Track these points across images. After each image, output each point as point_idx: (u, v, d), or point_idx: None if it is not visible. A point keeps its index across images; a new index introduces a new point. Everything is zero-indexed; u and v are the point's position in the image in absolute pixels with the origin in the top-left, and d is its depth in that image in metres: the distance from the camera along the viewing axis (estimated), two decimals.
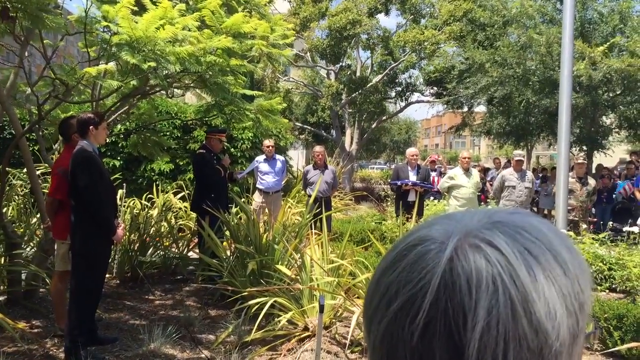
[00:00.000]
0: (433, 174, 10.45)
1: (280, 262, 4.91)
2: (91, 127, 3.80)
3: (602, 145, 12.41)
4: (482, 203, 10.66)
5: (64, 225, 3.98)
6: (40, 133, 5.43)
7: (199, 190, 5.94)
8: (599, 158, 13.76)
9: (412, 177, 7.66)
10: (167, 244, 6.53)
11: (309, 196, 7.18)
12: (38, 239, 5.39)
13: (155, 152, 6.17)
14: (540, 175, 13.25)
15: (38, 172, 5.71)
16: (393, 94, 18.35)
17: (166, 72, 4.21)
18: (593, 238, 6.30)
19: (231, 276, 4.91)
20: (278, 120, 5.67)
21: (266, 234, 5.35)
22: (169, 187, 8.65)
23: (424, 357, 0.42)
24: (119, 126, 7.95)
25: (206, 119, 6.54)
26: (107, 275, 4.85)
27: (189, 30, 4.17)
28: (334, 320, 4.43)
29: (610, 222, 8.19)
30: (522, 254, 0.43)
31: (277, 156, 7.89)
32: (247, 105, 5.25)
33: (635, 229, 8.32)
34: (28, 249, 5.41)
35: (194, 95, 12.57)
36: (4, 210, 5.61)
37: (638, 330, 3.93)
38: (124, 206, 6.50)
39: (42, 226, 5.10)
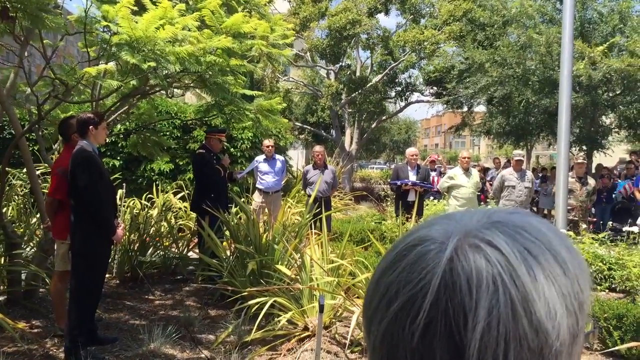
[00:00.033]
0: (433, 173, 10.46)
1: (280, 262, 4.92)
2: (91, 127, 3.80)
3: (601, 145, 12.41)
4: (482, 203, 10.66)
5: (64, 225, 3.98)
6: (40, 133, 5.43)
7: (199, 190, 5.94)
8: (598, 158, 13.76)
9: (412, 177, 7.66)
10: (167, 244, 6.53)
11: (309, 196, 7.18)
12: (38, 239, 5.39)
13: (155, 152, 6.17)
14: (540, 175, 13.25)
15: (38, 172, 5.71)
16: (393, 93, 18.35)
17: (166, 72, 4.21)
18: (593, 238, 6.30)
19: (231, 276, 4.91)
20: (278, 120, 5.67)
21: (266, 234, 5.35)
22: (168, 187, 8.65)
23: (425, 358, 0.42)
24: (118, 126, 7.95)
25: (206, 118, 6.54)
26: (107, 275, 4.86)
27: (189, 30, 4.17)
28: (333, 320, 4.43)
29: (610, 222, 8.19)
30: (522, 254, 0.43)
31: (277, 156, 7.89)
32: (246, 105, 5.25)
33: (635, 228, 8.32)
34: (28, 249, 5.41)
35: (193, 95, 12.57)
36: (4, 210, 5.61)
37: (638, 330, 3.93)
38: (124, 206, 6.50)
39: (42, 226, 5.10)
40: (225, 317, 4.77)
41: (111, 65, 4.34)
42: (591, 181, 7.78)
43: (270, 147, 7.65)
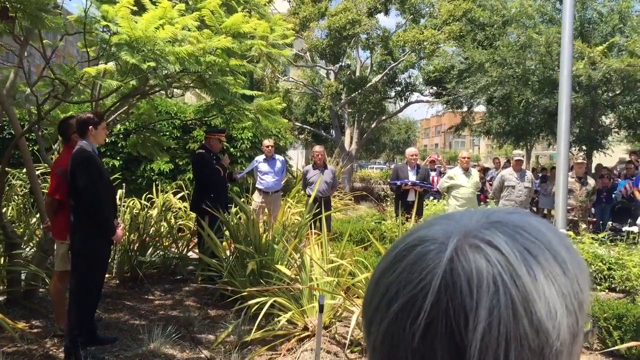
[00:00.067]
0: (432, 173, 10.46)
1: (279, 262, 4.92)
2: (90, 127, 3.80)
3: (601, 145, 12.41)
4: (482, 203, 10.66)
5: (64, 225, 3.98)
6: (40, 133, 5.43)
7: (199, 190, 5.94)
8: (598, 158, 13.76)
9: (412, 177, 7.66)
10: (167, 244, 6.52)
11: (309, 196, 7.18)
12: (38, 239, 5.39)
13: (155, 152, 6.17)
14: (540, 175, 13.25)
15: (37, 172, 5.71)
16: (392, 93, 18.35)
17: (166, 72, 4.21)
18: (592, 238, 6.30)
19: (231, 276, 4.91)
20: (277, 120, 5.67)
21: (266, 234, 5.35)
22: (168, 187, 8.65)
23: (426, 358, 0.42)
24: (118, 126, 7.95)
25: (206, 118, 6.54)
26: (106, 275, 4.85)
27: (189, 30, 4.17)
28: (333, 320, 4.43)
29: (610, 222, 8.19)
30: (522, 254, 0.43)
31: (277, 156, 7.88)
32: (246, 105, 5.25)
33: (634, 228, 8.33)
34: (28, 249, 5.41)
35: (193, 95, 12.57)
36: (4, 210, 5.60)
37: (637, 329, 3.93)
38: (124, 206, 6.50)
39: (41, 226, 5.10)
40: (225, 317, 4.77)
41: (111, 65, 4.34)
42: (591, 181, 7.78)
43: (270, 147, 7.65)
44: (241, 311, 4.34)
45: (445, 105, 18.05)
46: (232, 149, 9.32)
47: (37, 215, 5.70)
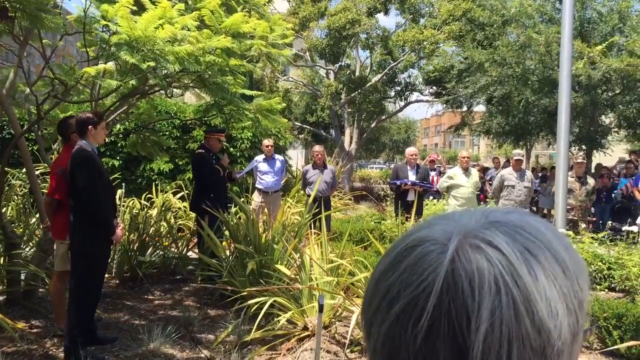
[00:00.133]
0: (432, 173, 10.45)
1: (279, 262, 4.91)
2: (90, 126, 3.80)
3: (601, 145, 12.41)
4: (482, 203, 10.66)
5: (63, 225, 3.98)
6: (40, 133, 5.43)
7: (198, 190, 5.94)
8: (598, 157, 13.77)
9: (412, 176, 7.66)
10: (167, 243, 6.52)
11: (308, 196, 7.18)
12: (37, 239, 5.39)
13: (155, 152, 6.17)
14: (540, 174, 13.26)
15: (37, 172, 5.71)
16: (392, 93, 18.35)
17: (165, 71, 4.21)
18: (592, 237, 6.30)
19: (230, 276, 4.91)
20: (277, 119, 5.66)
21: (265, 234, 5.35)
22: (168, 187, 8.65)
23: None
24: (118, 126, 7.95)
25: (205, 118, 6.54)
26: (106, 275, 4.85)
27: (188, 30, 4.17)
28: (333, 319, 4.43)
29: (610, 222, 8.20)
30: (523, 254, 0.43)
31: (277, 156, 7.88)
32: (246, 105, 5.25)
33: (634, 228, 8.33)
34: (27, 249, 5.40)
35: (193, 95, 12.56)
36: (3, 210, 5.60)
37: (637, 329, 3.93)
38: (123, 206, 6.50)
39: (41, 226, 5.10)
40: (225, 316, 4.77)
41: (110, 65, 4.34)
42: (590, 181, 7.78)
43: (269, 147, 7.65)
44: (241, 311, 4.34)
45: (445, 105, 18.06)
46: (231, 149, 9.32)
47: (37, 215, 5.70)
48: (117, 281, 5.86)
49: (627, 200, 10.04)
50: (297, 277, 4.68)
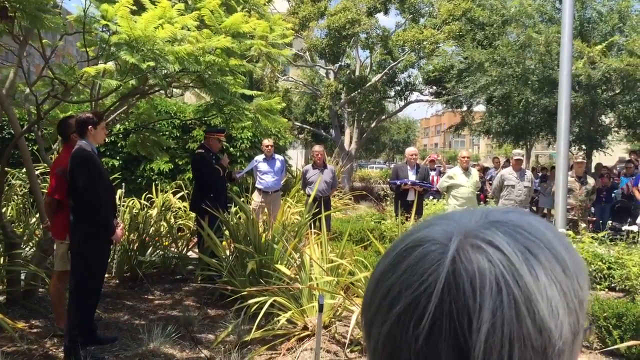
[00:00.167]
0: (432, 173, 10.45)
1: (279, 262, 4.91)
2: (90, 126, 3.80)
3: (601, 145, 12.41)
4: (482, 202, 10.66)
5: (63, 225, 3.98)
6: (39, 133, 5.43)
7: (198, 190, 5.94)
8: (598, 157, 13.77)
9: (412, 176, 7.66)
10: (167, 243, 6.52)
11: (308, 196, 7.18)
12: (37, 239, 5.39)
13: (155, 152, 6.17)
14: (540, 174, 13.26)
15: (37, 172, 5.70)
16: (392, 93, 18.35)
17: (165, 71, 4.20)
18: (592, 237, 6.30)
19: (230, 276, 4.91)
20: (277, 119, 5.66)
21: (265, 234, 5.35)
22: (168, 187, 8.65)
23: None
24: (118, 126, 7.95)
25: (205, 118, 6.54)
26: (106, 275, 4.85)
27: (188, 29, 4.17)
28: (333, 319, 4.43)
29: (610, 221, 8.19)
30: (523, 254, 0.43)
31: (277, 156, 7.88)
32: (246, 105, 5.25)
33: (634, 227, 8.33)
34: (27, 249, 5.40)
35: (193, 95, 12.55)
36: (3, 210, 5.60)
37: (637, 328, 3.93)
38: (123, 206, 6.50)
39: (41, 226, 5.10)
40: (225, 316, 4.77)
41: (110, 64, 4.34)
42: (590, 180, 7.78)
43: (269, 147, 7.65)
44: (241, 311, 4.34)
45: (444, 105, 18.06)
46: (231, 149, 9.32)
47: (37, 215, 5.70)
48: (117, 281, 5.86)
49: (627, 200, 10.05)
50: (297, 276, 4.68)
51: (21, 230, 5.72)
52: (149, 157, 6.86)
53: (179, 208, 7.88)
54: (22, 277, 5.03)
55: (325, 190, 7.47)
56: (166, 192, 8.23)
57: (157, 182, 8.61)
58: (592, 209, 9.35)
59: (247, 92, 5.33)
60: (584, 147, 12.51)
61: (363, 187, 17.12)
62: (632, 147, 16.98)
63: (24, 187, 6.97)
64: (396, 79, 17.74)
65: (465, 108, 17.41)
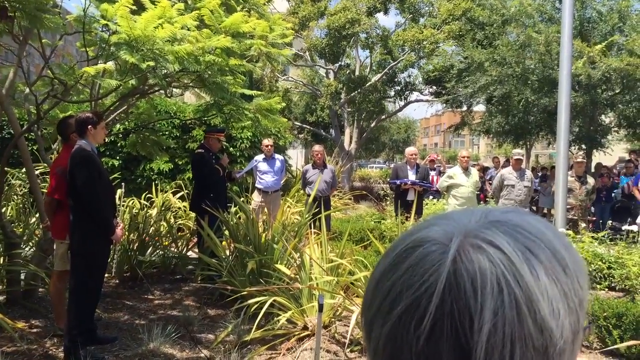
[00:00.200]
0: (432, 173, 10.45)
1: (279, 262, 4.91)
2: (90, 126, 3.80)
3: (601, 144, 12.41)
4: (482, 202, 10.66)
5: (63, 225, 3.98)
6: (39, 133, 5.43)
7: (198, 190, 5.94)
8: (598, 157, 13.77)
9: (411, 176, 7.66)
10: (166, 243, 6.52)
11: (308, 195, 7.18)
12: (37, 239, 5.38)
13: (154, 152, 6.17)
14: (540, 174, 13.26)
15: (37, 172, 5.70)
16: (392, 93, 18.34)
17: (165, 71, 4.20)
18: (592, 237, 6.30)
19: (230, 275, 4.91)
20: (277, 119, 5.66)
21: (265, 234, 5.35)
22: (168, 187, 8.65)
23: None
24: (117, 126, 7.95)
25: (205, 118, 6.54)
26: (106, 275, 4.85)
27: (188, 29, 4.16)
28: (333, 319, 4.43)
29: (610, 221, 8.19)
30: (524, 254, 0.43)
31: (276, 155, 7.88)
32: (246, 105, 5.25)
33: (634, 227, 8.33)
34: (27, 249, 5.40)
35: (193, 95, 12.56)
36: (3, 209, 5.60)
37: (637, 328, 3.93)
38: (123, 206, 6.50)
39: (41, 226, 5.10)
40: (225, 316, 4.77)
41: (110, 64, 4.34)
42: (590, 180, 7.78)
43: (269, 147, 7.65)
44: (241, 310, 4.34)
45: (444, 105, 18.05)
46: (231, 149, 9.32)
47: (37, 215, 5.70)
48: (117, 281, 5.86)
49: (627, 200, 10.05)
50: (297, 276, 4.68)
51: (21, 230, 5.72)
52: (148, 156, 6.86)
53: (179, 208, 7.88)
54: (22, 277, 5.03)
55: (325, 190, 7.47)
56: (166, 192, 8.23)
57: (157, 182, 8.61)
58: (592, 208, 9.35)
59: (247, 91, 5.33)
60: (583, 146, 12.52)
61: (363, 187, 17.12)
62: (632, 147, 16.98)
63: (24, 187, 6.97)
64: (396, 79, 17.74)
65: (465, 108, 17.40)
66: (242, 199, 7.63)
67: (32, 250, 5.30)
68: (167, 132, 8.91)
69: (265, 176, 7.61)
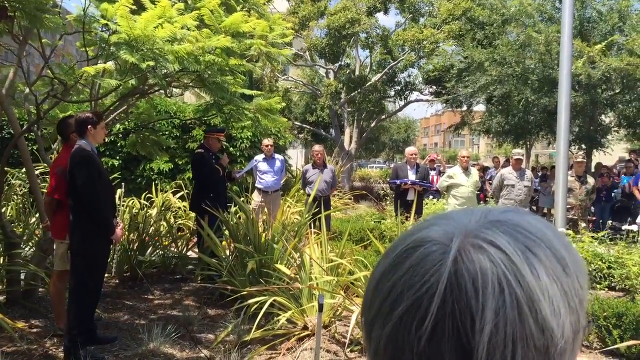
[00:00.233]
0: (432, 172, 10.46)
1: (279, 262, 4.91)
2: (89, 126, 3.79)
3: (601, 144, 12.41)
4: (481, 202, 10.66)
5: (63, 225, 3.98)
6: (39, 132, 5.43)
7: (198, 190, 5.94)
8: (598, 157, 13.77)
9: (411, 176, 7.66)
10: (166, 243, 6.52)
11: (308, 195, 7.18)
12: (37, 239, 5.38)
13: (154, 152, 6.17)
14: (540, 173, 13.26)
15: (37, 172, 5.70)
16: (392, 92, 18.34)
17: (165, 71, 4.20)
18: (592, 237, 6.30)
19: (230, 275, 4.91)
20: (277, 119, 5.66)
21: (265, 233, 5.35)
22: (168, 187, 8.65)
23: None
24: (117, 125, 7.95)
25: (205, 118, 6.54)
26: (106, 275, 4.85)
27: (188, 29, 4.16)
28: (333, 319, 4.43)
29: (610, 221, 8.19)
30: (525, 253, 0.43)
31: (276, 155, 7.88)
32: (246, 105, 5.25)
33: (634, 227, 8.33)
34: (27, 249, 5.40)
35: (192, 95, 12.56)
36: (3, 209, 5.60)
37: (637, 328, 3.93)
38: (123, 205, 6.50)
39: (40, 226, 5.10)
40: (225, 316, 4.77)
41: (110, 64, 4.33)
42: (590, 180, 7.78)
43: (269, 147, 7.65)
44: (241, 310, 4.33)
45: (444, 104, 18.05)
46: (231, 148, 9.32)
47: (37, 215, 5.70)
48: (117, 281, 5.86)
49: (627, 199, 10.04)
50: (297, 276, 4.68)
51: (21, 230, 5.71)
52: (148, 156, 6.86)
53: (179, 208, 7.88)
54: (22, 277, 5.03)
55: (325, 190, 7.47)
56: (166, 191, 8.23)
57: (156, 182, 8.61)
58: (592, 208, 9.35)
59: (247, 91, 5.33)
60: (583, 146, 12.52)
61: (363, 187, 17.11)
62: (632, 147, 16.99)
63: (24, 186, 6.97)
64: (396, 79, 17.74)
65: (465, 107, 17.40)
66: (242, 198, 7.63)
67: (32, 250, 5.30)
68: (167, 132, 8.91)
69: (265, 176, 7.61)
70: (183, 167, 9.15)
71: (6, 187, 6.37)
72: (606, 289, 5.65)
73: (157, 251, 6.34)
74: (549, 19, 12.42)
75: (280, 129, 9.89)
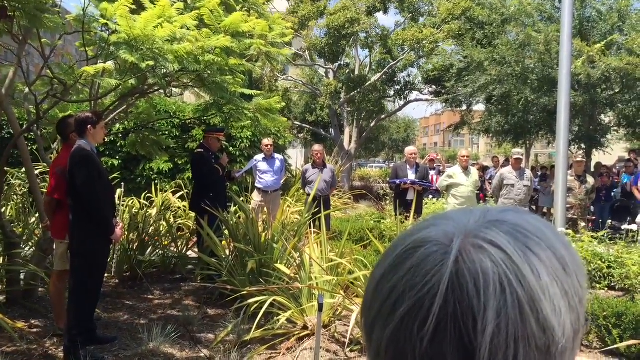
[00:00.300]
0: (432, 172, 10.46)
1: (279, 261, 4.91)
2: (89, 126, 3.79)
3: (600, 144, 12.42)
4: (481, 202, 10.66)
5: (63, 225, 3.98)
6: (39, 132, 5.42)
7: (198, 190, 5.94)
8: (597, 156, 13.78)
9: (411, 175, 7.66)
10: (166, 243, 6.52)
11: (308, 195, 7.18)
12: (37, 239, 5.38)
13: (154, 151, 6.17)
14: (540, 173, 13.26)
15: (37, 172, 5.70)
16: (392, 92, 18.34)
17: (164, 71, 4.20)
18: (592, 236, 6.30)
19: (230, 275, 4.91)
20: (277, 119, 5.66)
21: (265, 233, 5.35)
22: (167, 187, 8.65)
23: None
24: (117, 125, 7.94)
25: (205, 118, 6.54)
26: (106, 275, 4.85)
27: (188, 29, 4.16)
28: (333, 319, 4.43)
29: (609, 220, 8.20)
30: (525, 253, 0.43)
31: (276, 155, 7.88)
32: (245, 104, 5.25)
33: (633, 227, 8.34)
34: (27, 249, 5.40)
35: (192, 95, 12.56)
36: (3, 209, 5.60)
37: (637, 327, 3.94)
38: (123, 205, 6.50)
39: (40, 225, 5.09)
40: (225, 316, 4.77)
41: (109, 64, 4.34)
42: (590, 179, 7.78)
43: (269, 146, 7.65)
44: (240, 310, 4.33)
45: (444, 104, 18.05)
46: (231, 148, 9.32)
47: (36, 215, 5.70)
48: (117, 280, 5.86)
49: (627, 199, 10.05)
50: (297, 276, 4.68)
51: (21, 229, 5.71)
52: (148, 156, 6.86)
53: (179, 207, 7.88)
54: (22, 276, 5.02)
55: (324, 190, 7.47)
56: (166, 191, 8.23)
57: (156, 182, 8.61)
58: (592, 208, 9.35)
59: (247, 91, 5.33)
60: (583, 146, 12.52)
61: (362, 187, 17.11)
62: (632, 146, 16.99)
63: (24, 186, 6.96)
64: (395, 78, 17.74)
65: (464, 107, 17.41)
66: (241, 198, 7.62)
67: (31, 250, 5.30)
68: (166, 132, 8.90)
69: (265, 176, 7.61)
70: (183, 166, 9.15)
71: (6, 187, 6.37)
72: (606, 289, 5.65)
73: (157, 251, 6.34)
74: (549, 19, 12.42)
75: (280, 129, 9.89)
